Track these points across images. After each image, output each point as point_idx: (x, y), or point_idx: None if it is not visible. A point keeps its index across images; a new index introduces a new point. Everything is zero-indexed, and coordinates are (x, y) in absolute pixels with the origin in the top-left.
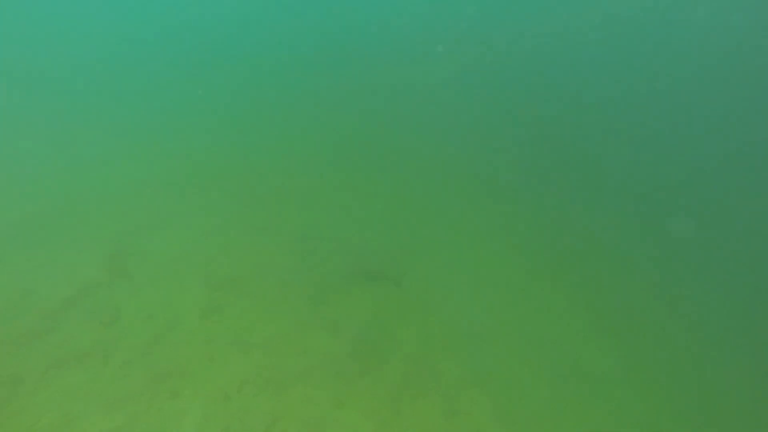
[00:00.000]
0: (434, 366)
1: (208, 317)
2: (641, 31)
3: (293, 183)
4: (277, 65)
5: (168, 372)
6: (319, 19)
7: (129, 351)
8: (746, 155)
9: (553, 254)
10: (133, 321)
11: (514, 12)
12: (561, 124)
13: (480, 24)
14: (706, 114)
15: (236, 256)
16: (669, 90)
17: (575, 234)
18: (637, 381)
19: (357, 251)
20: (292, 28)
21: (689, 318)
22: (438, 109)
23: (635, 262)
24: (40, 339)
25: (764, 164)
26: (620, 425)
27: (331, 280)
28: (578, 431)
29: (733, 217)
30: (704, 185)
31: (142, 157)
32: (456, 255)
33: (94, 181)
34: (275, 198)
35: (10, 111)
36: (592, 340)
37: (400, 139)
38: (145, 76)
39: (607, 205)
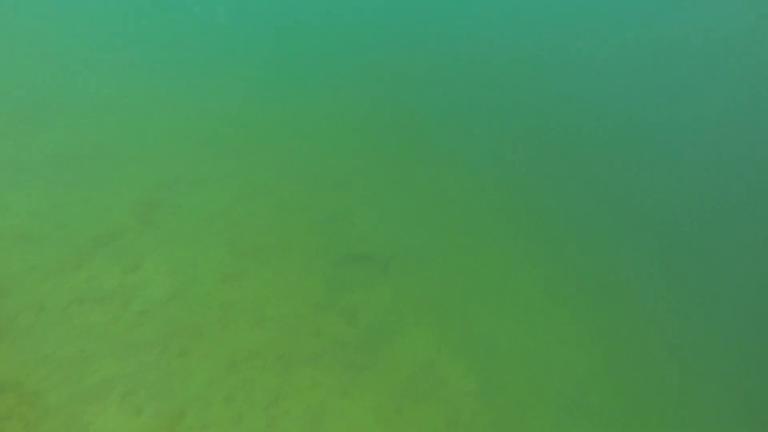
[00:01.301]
0: (442, 371)
1: (227, 282)
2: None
3: (327, 164)
4: (329, 50)
5: (181, 329)
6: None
7: (147, 301)
8: None
9: (574, 276)
10: (154, 272)
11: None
12: (599, 152)
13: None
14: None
15: (262, 226)
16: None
17: (601, 264)
18: (640, 424)
19: (382, 243)
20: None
21: (700, 366)
22: (472, 112)
23: (652, 303)
24: (66, 273)
25: None
26: None
27: (352, 267)
28: None
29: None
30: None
31: (186, 112)
32: (479, 263)
33: (136, 127)
34: (307, 176)
35: (62, 56)
36: (603, 375)
37: (438, 127)
38: (195, 37)
39: (635, 241)
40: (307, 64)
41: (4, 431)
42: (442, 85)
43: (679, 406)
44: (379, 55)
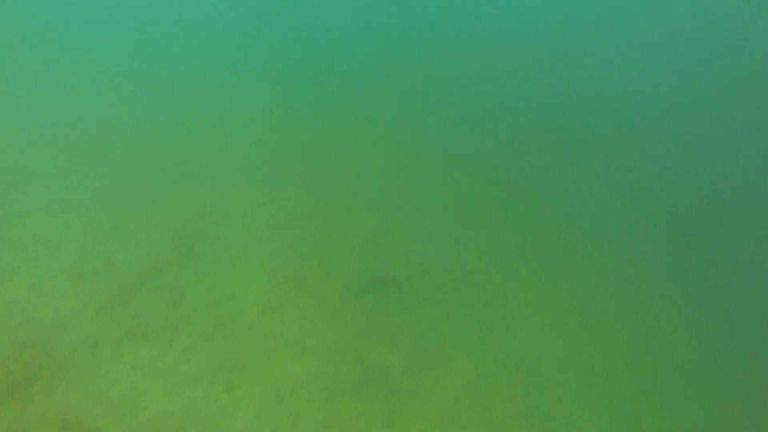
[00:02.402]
0: (487, 397)
1: (269, 313)
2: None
3: (359, 186)
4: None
5: (226, 364)
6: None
7: (192, 336)
8: None
9: (610, 288)
10: (197, 306)
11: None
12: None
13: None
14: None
15: (300, 254)
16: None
17: (635, 271)
18: None
19: (419, 265)
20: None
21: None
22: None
23: (700, 326)
24: (116, 309)
25: None
26: None
27: (391, 291)
28: None
29: None
30: None
31: (219, 140)
32: (517, 281)
33: (173, 158)
34: (341, 199)
35: (105, 84)
36: (654, 395)
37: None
38: (225, 65)
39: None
40: (336, 85)
41: None
42: (470, 97)
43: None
44: (405, 71)
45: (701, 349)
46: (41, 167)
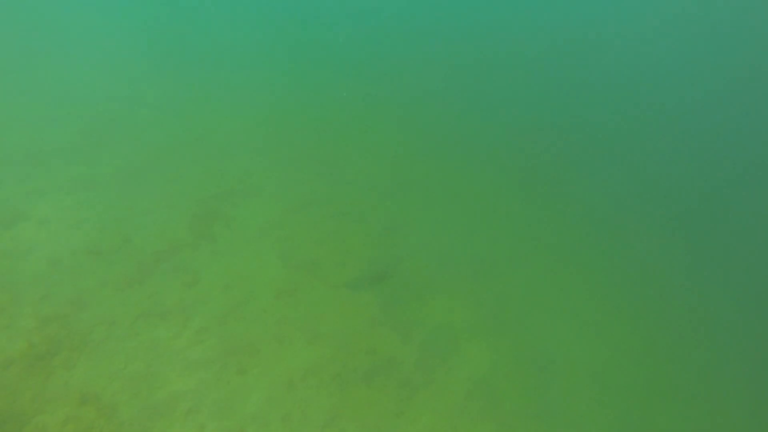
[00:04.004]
0: (498, 391)
1: (282, 298)
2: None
3: (378, 172)
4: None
5: (239, 347)
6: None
7: (206, 318)
8: None
9: (632, 291)
10: (211, 288)
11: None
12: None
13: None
14: None
15: (316, 239)
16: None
17: (656, 267)
18: None
19: (435, 255)
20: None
21: None
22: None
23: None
24: (133, 288)
25: None
26: None
27: (406, 282)
28: None
29: None
30: None
31: (239, 122)
32: (533, 274)
33: (192, 137)
34: (359, 185)
35: (124, 70)
36: (670, 395)
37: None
38: (249, 46)
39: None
40: (356, 71)
41: None
42: (487, 87)
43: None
44: (424, 59)
45: (714, 350)
46: (64, 144)
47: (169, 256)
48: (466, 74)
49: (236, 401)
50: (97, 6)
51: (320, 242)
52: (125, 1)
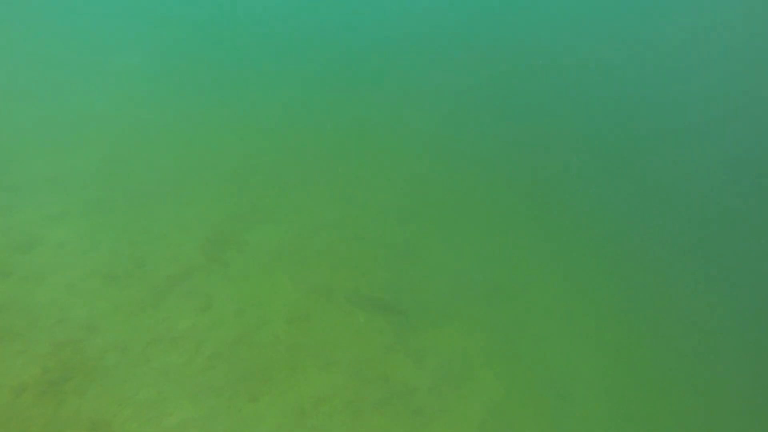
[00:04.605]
0: (514, 420)
1: (295, 323)
2: None
3: (391, 194)
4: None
5: (251, 373)
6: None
7: (217, 343)
8: None
9: (653, 317)
10: (224, 313)
11: None
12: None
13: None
14: None
15: (329, 263)
16: None
17: (684, 307)
18: None
19: (449, 280)
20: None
21: None
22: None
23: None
24: (146, 313)
25: None
26: None
27: (421, 307)
28: None
29: None
30: None
31: (250, 146)
32: (551, 299)
33: (204, 161)
34: (373, 207)
35: (143, 90)
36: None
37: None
38: (257, 72)
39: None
40: (367, 92)
41: None
42: (502, 106)
43: None
44: (436, 73)
45: (739, 378)
46: (81, 168)
47: (182, 280)
48: (481, 93)
49: (247, 430)
50: (115, 33)
51: (334, 267)
52: (142, 28)
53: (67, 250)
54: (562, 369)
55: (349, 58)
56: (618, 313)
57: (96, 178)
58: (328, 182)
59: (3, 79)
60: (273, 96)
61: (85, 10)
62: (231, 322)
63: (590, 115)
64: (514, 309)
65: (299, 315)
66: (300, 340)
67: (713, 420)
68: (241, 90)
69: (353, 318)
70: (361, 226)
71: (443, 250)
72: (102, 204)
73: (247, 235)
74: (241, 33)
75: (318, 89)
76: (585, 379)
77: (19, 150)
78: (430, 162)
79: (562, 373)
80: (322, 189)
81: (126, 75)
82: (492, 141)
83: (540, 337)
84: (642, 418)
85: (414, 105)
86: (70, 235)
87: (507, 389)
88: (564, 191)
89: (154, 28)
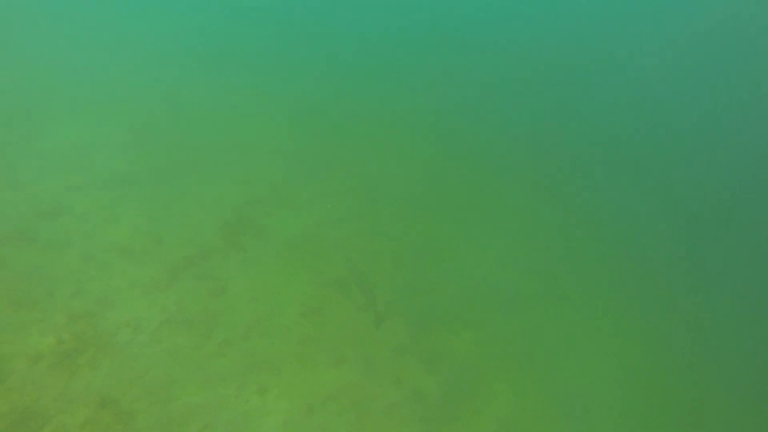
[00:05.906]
0: None
1: (308, 316)
2: None
3: (416, 190)
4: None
5: (260, 363)
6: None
7: (229, 330)
8: None
9: (682, 343)
10: (237, 299)
11: None
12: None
13: None
14: None
15: (347, 256)
16: None
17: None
18: None
19: (469, 283)
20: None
21: None
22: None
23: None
24: (160, 291)
25: None
26: None
27: (437, 309)
28: None
29: None
30: None
31: (277, 128)
32: (571, 311)
33: (229, 141)
34: (397, 203)
35: (164, 69)
36: None
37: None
38: (287, 51)
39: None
40: (398, 82)
41: None
42: (534, 99)
43: None
44: (460, 69)
45: (755, 392)
46: (109, 139)
47: (199, 262)
48: (509, 88)
49: (253, 422)
50: (145, 12)
51: (350, 260)
52: (173, 8)
53: (88, 221)
54: (579, 386)
55: (375, 48)
56: (641, 332)
57: (122, 150)
58: (350, 173)
59: (40, 45)
60: (299, 82)
61: None
62: (244, 309)
63: (611, 120)
64: (532, 320)
65: (313, 308)
66: (312, 333)
67: None
68: (269, 75)
69: (368, 315)
70: (381, 220)
71: (463, 252)
72: (126, 177)
73: (266, 220)
74: (274, 20)
75: (347, 81)
76: (602, 399)
77: (51, 116)
78: (455, 160)
79: (579, 391)
80: (343, 179)
81: (160, 50)
82: (519, 143)
83: (557, 351)
84: None
85: (441, 100)
86: (92, 206)
87: (519, 404)
88: (592, 205)
89: (193, 9)
